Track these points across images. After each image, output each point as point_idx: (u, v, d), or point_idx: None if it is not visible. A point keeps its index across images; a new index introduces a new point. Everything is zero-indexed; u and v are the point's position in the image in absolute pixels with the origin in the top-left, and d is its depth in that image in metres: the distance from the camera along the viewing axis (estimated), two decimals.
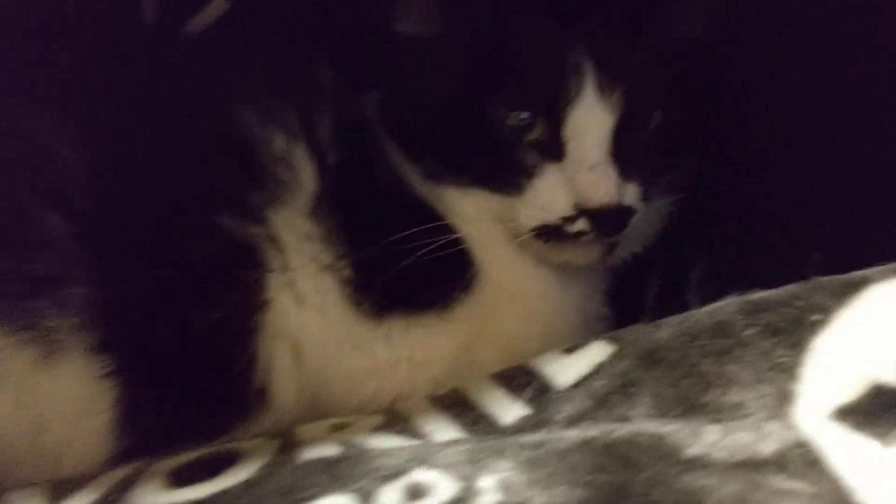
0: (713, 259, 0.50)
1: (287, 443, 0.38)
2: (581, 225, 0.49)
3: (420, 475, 0.31)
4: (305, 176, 0.50)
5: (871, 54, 0.52)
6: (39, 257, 0.43)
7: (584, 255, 0.51)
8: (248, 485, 0.33)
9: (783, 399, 0.29)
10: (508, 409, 0.37)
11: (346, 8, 0.62)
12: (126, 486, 0.36)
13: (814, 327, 0.31)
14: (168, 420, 0.44)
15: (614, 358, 0.36)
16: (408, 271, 0.49)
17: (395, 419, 0.40)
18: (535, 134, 0.50)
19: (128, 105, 0.51)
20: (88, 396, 0.44)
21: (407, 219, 0.50)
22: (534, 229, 0.50)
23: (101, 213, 0.45)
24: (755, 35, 0.58)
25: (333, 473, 0.31)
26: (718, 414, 0.29)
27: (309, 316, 0.49)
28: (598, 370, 0.36)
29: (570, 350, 0.40)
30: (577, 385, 0.36)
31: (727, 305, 0.35)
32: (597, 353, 0.38)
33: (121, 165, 0.47)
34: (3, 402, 0.42)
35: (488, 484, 0.29)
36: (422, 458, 0.31)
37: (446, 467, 0.30)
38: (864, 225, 0.50)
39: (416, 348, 0.50)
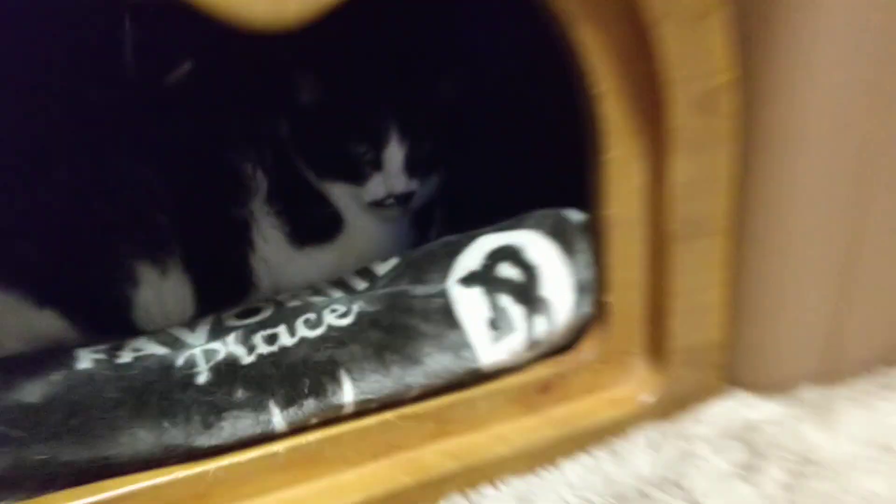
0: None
1: (278, 301, 0.97)
2: (390, 201, 1.07)
3: (336, 304, 0.90)
4: (261, 182, 1.05)
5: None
6: (155, 235, 0.97)
7: (394, 213, 1.09)
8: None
9: (448, 276, 0.90)
10: (360, 284, 0.98)
11: (270, 81, 1.14)
12: (220, 315, 0.94)
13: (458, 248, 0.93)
14: (216, 300, 1.00)
15: (400, 261, 0.98)
16: (313, 226, 1.08)
17: (316, 290, 1.00)
18: (369, 157, 1.04)
19: (169, 144, 1.03)
20: (183, 290, 1.00)
21: (310, 199, 1.09)
22: (370, 202, 1.08)
23: (179, 209, 0.98)
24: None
25: (304, 307, 0.91)
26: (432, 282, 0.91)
27: (270, 248, 1.05)
28: (393, 269, 0.97)
29: (385, 260, 1.01)
30: (385, 275, 0.97)
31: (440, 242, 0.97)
32: (393, 262, 0.99)
33: (178, 181, 0.99)
34: (148, 298, 0.97)
35: (356, 307, 0.89)
36: (332, 303, 0.91)
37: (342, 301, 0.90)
38: None
39: (320, 261, 1.08)
